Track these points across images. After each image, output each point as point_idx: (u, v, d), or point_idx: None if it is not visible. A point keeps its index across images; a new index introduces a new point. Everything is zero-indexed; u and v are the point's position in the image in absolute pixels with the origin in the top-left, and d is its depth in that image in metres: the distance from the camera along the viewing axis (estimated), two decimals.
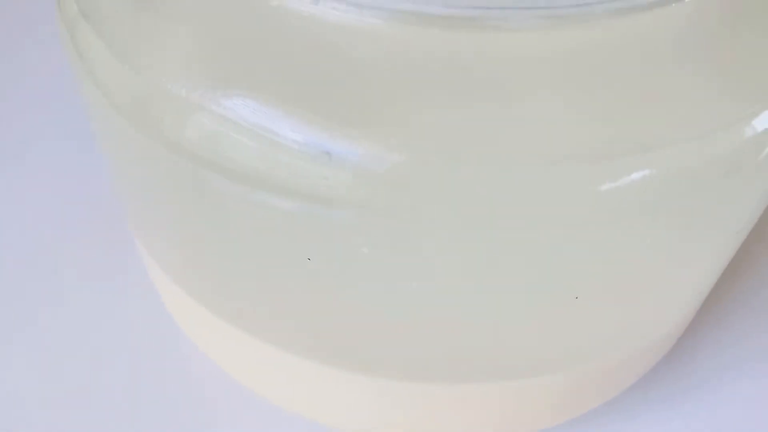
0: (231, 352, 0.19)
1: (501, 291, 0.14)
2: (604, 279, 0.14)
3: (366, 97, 0.12)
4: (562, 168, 0.12)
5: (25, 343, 0.23)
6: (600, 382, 0.19)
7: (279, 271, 0.14)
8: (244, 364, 0.19)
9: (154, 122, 0.13)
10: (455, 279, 0.13)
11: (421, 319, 0.14)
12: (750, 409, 0.22)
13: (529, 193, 0.12)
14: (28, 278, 0.24)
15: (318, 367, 0.16)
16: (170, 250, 0.17)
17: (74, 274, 0.24)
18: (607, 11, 0.11)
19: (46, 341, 0.23)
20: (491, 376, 0.16)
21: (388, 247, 0.12)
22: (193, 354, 0.22)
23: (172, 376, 0.22)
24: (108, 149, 0.16)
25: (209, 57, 0.13)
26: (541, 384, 0.17)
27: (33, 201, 0.26)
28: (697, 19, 0.12)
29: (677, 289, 0.16)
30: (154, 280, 0.21)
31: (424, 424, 0.18)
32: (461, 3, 0.11)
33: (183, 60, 0.13)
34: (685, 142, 0.12)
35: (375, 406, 0.17)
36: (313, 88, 0.12)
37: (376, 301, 0.14)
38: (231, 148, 0.12)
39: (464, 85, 0.11)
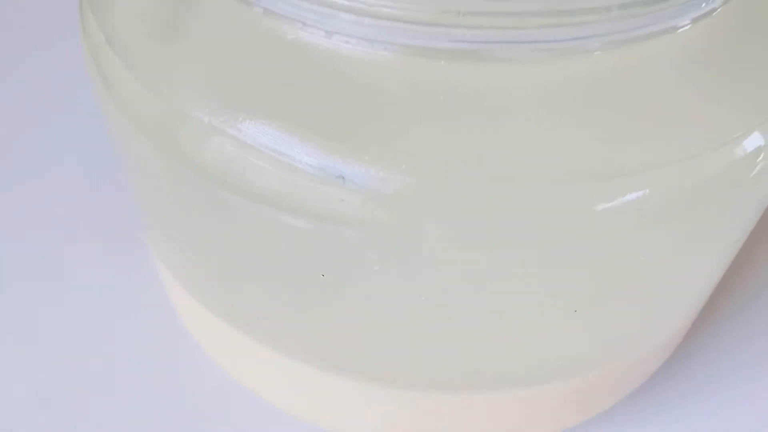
0: (244, 362, 0.19)
1: (504, 305, 0.14)
2: (602, 293, 0.14)
3: (376, 124, 0.12)
4: (561, 189, 0.12)
5: (38, 352, 0.23)
6: (602, 389, 0.19)
7: (294, 286, 0.15)
8: (258, 372, 0.19)
9: (176, 145, 0.14)
10: (461, 294, 0.14)
11: (429, 331, 0.15)
12: (751, 412, 0.22)
13: (530, 212, 0.12)
14: (42, 289, 0.24)
15: (331, 377, 0.16)
16: (188, 265, 0.18)
17: (87, 278, 0.25)
18: (601, 44, 0.12)
19: (58, 346, 0.23)
20: (493, 385, 0.16)
21: (397, 264, 0.13)
22: (205, 361, 0.22)
23: (184, 384, 0.22)
24: (130, 169, 0.17)
25: (229, 84, 0.13)
26: (543, 392, 0.17)
27: (48, 213, 0.27)
28: (686, 48, 0.13)
29: (673, 301, 0.17)
30: (170, 293, 0.21)
31: None
32: (465, 37, 0.11)
33: (204, 87, 0.13)
34: (678, 163, 0.13)
35: (385, 415, 0.18)
36: (327, 116, 0.12)
37: (386, 315, 0.14)
38: (249, 170, 0.13)
39: (468, 113, 0.12)
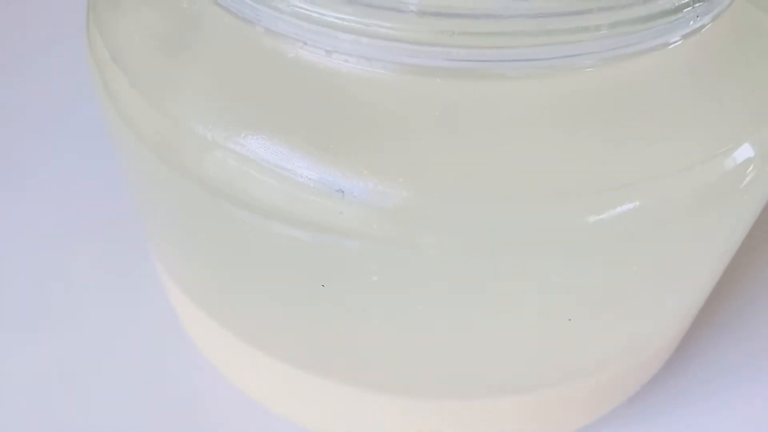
0: (243, 367, 0.20)
1: (501, 315, 0.14)
2: (596, 302, 0.15)
3: (375, 139, 0.13)
4: (556, 201, 0.12)
5: (38, 352, 0.23)
6: (599, 394, 0.19)
7: (294, 296, 0.15)
8: (256, 378, 0.20)
9: (179, 159, 0.14)
10: (457, 304, 0.14)
11: (427, 340, 0.15)
12: (751, 412, 0.22)
13: (524, 225, 0.13)
14: (42, 289, 0.25)
15: (330, 384, 0.17)
16: (189, 273, 0.18)
17: (87, 279, 0.25)
18: (593, 61, 0.12)
19: (57, 346, 0.23)
20: (491, 392, 0.17)
21: (396, 275, 0.13)
22: (203, 363, 0.22)
23: (182, 385, 0.22)
24: (134, 181, 0.17)
25: (231, 101, 0.13)
26: (542, 399, 0.18)
27: (48, 213, 0.27)
28: (677, 64, 0.13)
29: (668, 309, 0.17)
30: (169, 296, 0.21)
31: None
32: (460, 56, 0.12)
33: (206, 103, 0.14)
34: (669, 175, 0.13)
35: (383, 422, 0.18)
36: (327, 131, 0.13)
37: (385, 324, 0.15)
38: (251, 184, 0.13)
39: (464, 128, 0.12)
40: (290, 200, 0.13)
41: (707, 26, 0.13)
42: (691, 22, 0.13)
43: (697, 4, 0.13)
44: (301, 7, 0.12)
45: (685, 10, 0.12)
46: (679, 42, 0.13)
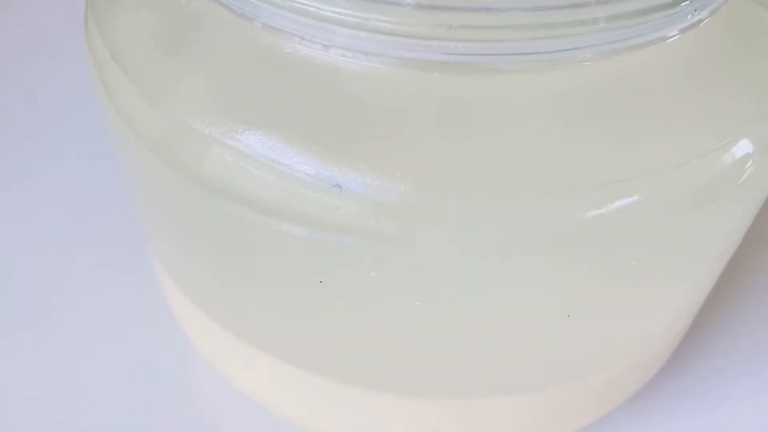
0: (241, 366, 0.20)
1: (499, 311, 0.14)
2: (595, 299, 0.15)
3: (372, 134, 0.13)
4: (554, 196, 0.12)
5: (37, 352, 0.23)
6: (599, 394, 0.19)
7: (292, 292, 0.15)
8: (254, 377, 0.20)
9: (177, 155, 0.14)
10: (455, 300, 0.14)
11: (425, 337, 0.15)
12: (751, 412, 0.22)
13: (522, 220, 0.13)
14: (41, 289, 0.25)
15: (328, 382, 0.17)
16: (187, 271, 0.18)
17: (87, 279, 0.25)
18: (591, 55, 0.12)
19: (57, 346, 0.23)
20: (491, 391, 0.17)
21: (393, 271, 0.13)
22: (202, 363, 0.22)
23: (180, 385, 0.22)
24: (133, 178, 0.17)
25: (228, 97, 0.13)
26: (542, 398, 0.18)
27: (48, 213, 0.27)
28: (675, 58, 0.13)
29: (667, 308, 0.17)
30: (168, 296, 0.21)
31: None
32: (457, 50, 0.12)
33: (205, 99, 0.14)
34: (667, 170, 0.13)
35: (383, 420, 0.18)
36: (324, 126, 0.13)
37: (383, 320, 0.15)
38: (248, 180, 0.13)
39: (461, 123, 0.12)
40: (288, 196, 0.13)
41: (705, 20, 0.13)
42: (689, 16, 0.13)
43: None
44: (299, 2, 0.12)
45: (683, 3, 0.12)
46: (677, 36, 0.13)
